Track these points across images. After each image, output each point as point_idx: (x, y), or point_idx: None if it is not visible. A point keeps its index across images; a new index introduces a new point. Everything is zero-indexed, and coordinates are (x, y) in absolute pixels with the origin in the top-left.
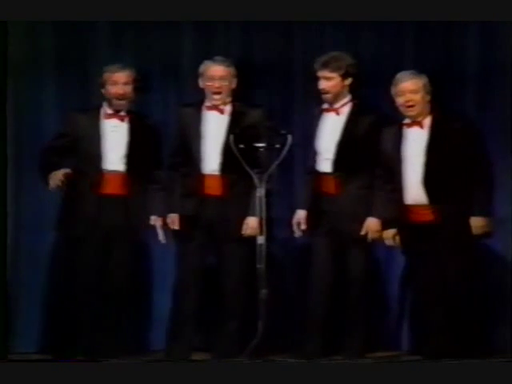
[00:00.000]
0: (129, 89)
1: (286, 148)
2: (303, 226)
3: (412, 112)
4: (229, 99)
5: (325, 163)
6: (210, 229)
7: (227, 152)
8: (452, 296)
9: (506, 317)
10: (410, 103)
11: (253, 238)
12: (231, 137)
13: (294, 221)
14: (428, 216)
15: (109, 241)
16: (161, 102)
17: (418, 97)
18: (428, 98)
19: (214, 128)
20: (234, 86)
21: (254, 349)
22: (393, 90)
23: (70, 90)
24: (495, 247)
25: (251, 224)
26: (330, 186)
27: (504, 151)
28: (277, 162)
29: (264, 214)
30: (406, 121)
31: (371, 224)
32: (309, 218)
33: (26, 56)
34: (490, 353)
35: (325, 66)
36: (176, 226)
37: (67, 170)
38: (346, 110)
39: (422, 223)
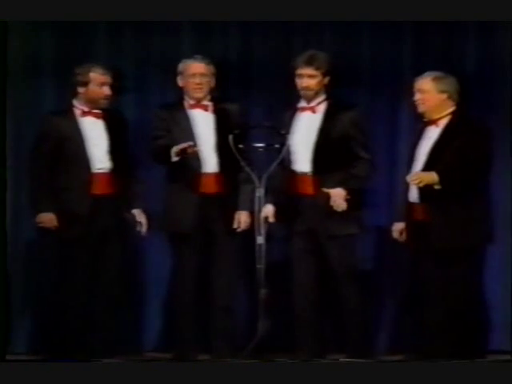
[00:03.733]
0: (110, 89)
1: (286, 148)
2: (271, 219)
3: (421, 109)
4: (209, 97)
5: (302, 163)
6: (207, 227)
7: (221, 150)
8: (451, 296)
9: (505, 317)
10: (418, 101)
11: (248, 234)
12: (230, 137)
13: (262, 215)
14: (421, 215)
15: (103, 241)
16: (160, 102)
17: (426, 96)
18: (443, 97)
19: (202, 126)
20: (213, 84)
21: (253, 349)
22: None
23: (69, 90)
24: (495, 247)
25: (243, 219)
26: (307, 187)
27: (504, 151)
28: (276, 162)
29: (263, 214)
30: (425, 118)
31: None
32: (280, 216)
33: (26, 56)
34: (489, 353)
35: (309, 63)
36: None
37: (52, 217)
38: (321, 109)
39: (418, 221)
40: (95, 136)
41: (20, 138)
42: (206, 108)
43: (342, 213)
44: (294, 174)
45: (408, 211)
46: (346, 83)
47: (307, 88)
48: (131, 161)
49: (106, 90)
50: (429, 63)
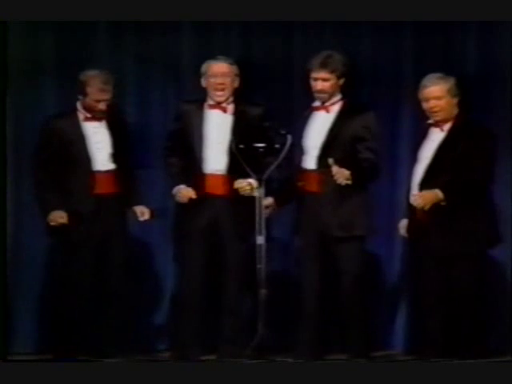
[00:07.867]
0: (110, 94)
1: (286, 148)
2: (264, 206)
3: (438, 117)
4: (231, 98)
5: (310, 160)
6: (212, 228)
7: (231, 151)
8: (452, 297)
9: (505, 317)
10: (435, 109)
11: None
12: (231, 137)
13: (263, 204)
14: (422, 217)
15: (107, 241)
16: (160, 102)
17: (442, 102)
18: (455, 100)
19: (217, 127)
20: (236, 85)
21: (254, 349)
22: (419, 95)
23: (69, 90)
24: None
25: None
26: (313, 184)
27: (504, 151)
28: (276, 163)
29: (263, 215)
30: (430, 121)
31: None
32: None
33: (26, 56)
34: (489, 353)
35: (323, 66)
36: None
37: (63, 214)
38: (335, 109)
39: (419, 223)
40: (99, 140)
41: (20, 139)
42: (224, 109)
43: (350, 214)
44: (301, 170)
45: (409, 212)
46: (346, 83)
47: (321, 91)
48: (133, 160)
49: (102, 106)
50: (429, 63)
